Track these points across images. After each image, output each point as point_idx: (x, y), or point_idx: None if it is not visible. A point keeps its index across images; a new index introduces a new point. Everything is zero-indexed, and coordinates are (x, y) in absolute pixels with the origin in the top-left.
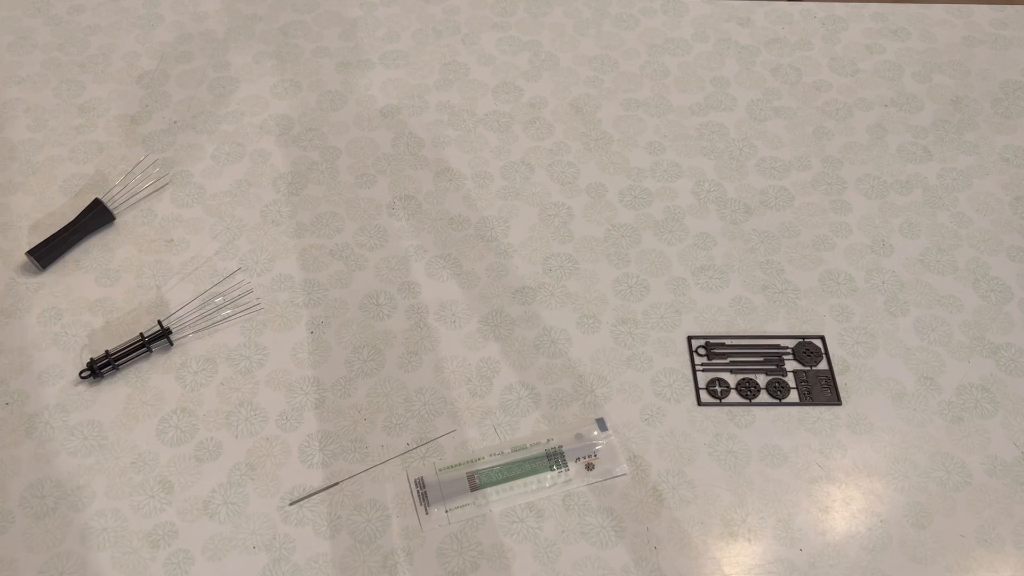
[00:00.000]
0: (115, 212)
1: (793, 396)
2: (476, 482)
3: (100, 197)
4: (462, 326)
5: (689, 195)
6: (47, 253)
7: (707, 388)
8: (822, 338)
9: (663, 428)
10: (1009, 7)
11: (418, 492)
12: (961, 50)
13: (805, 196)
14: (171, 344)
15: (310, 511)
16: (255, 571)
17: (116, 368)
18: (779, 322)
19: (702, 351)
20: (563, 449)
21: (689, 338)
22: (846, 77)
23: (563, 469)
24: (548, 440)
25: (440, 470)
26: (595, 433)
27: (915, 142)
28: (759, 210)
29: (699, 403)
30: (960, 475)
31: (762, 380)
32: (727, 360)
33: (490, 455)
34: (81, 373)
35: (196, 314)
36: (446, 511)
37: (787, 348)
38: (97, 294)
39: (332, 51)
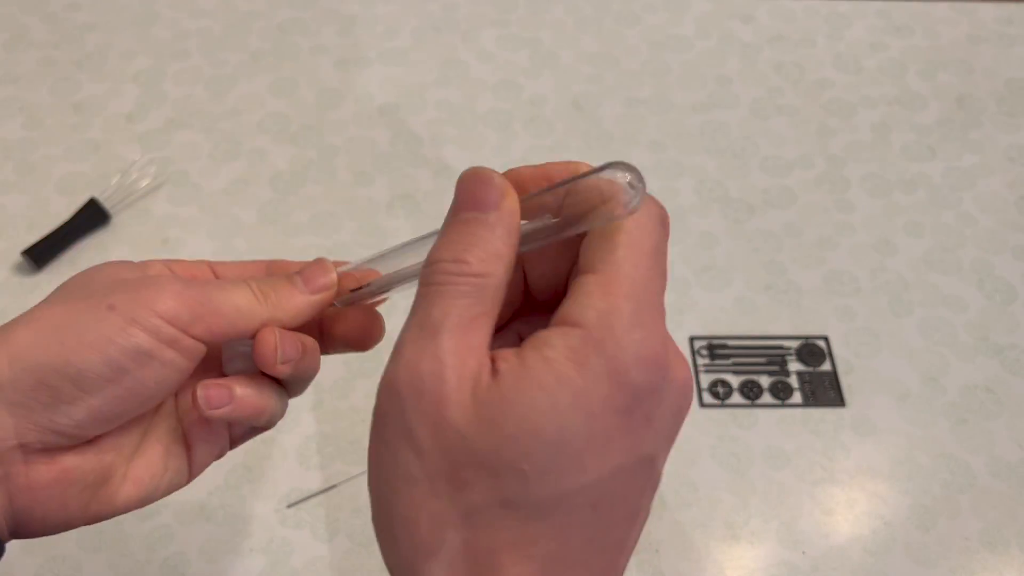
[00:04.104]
0: (111, 211)
1: (796, 397)
2: None
3: (96, 196)
4: None
5: (691, 194)
6: (43, 253)
7: (710, 389)
8: (826, 339)
9: None
10: (1014, 4)
11: None
12: (965, 48)
13: (808, 195)
14: None
15: (308, 514)
16: (252, 574)
17: None
18: (783, 322)
19: (704, 352)
20: None
21: (691, 339)
22: (850, 75)
23: None
24: None
25: None
26: None
27: (919, 140)
28: (762, 209)
29: (701, 404)
30: (965, 477)
31: (765, 381)
32: (730, 361)
33: None
34: None
35: None
36: None
37: (790, 349)
38: None
39: (330, 48)
